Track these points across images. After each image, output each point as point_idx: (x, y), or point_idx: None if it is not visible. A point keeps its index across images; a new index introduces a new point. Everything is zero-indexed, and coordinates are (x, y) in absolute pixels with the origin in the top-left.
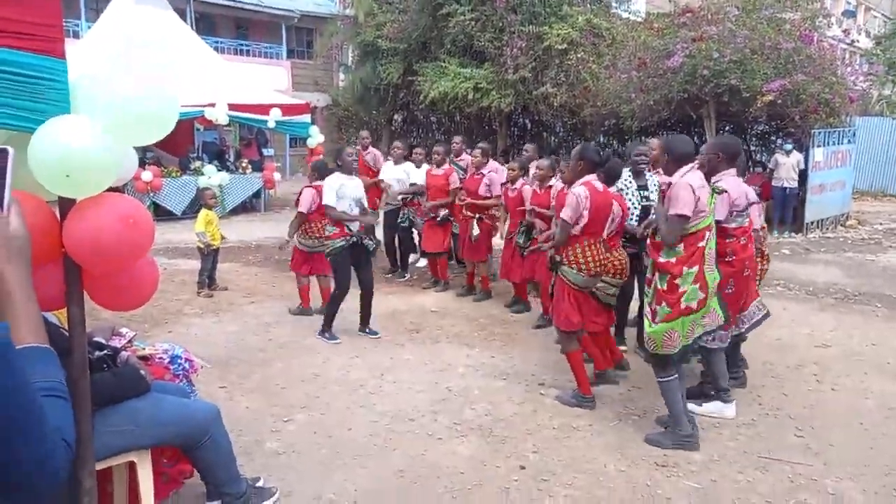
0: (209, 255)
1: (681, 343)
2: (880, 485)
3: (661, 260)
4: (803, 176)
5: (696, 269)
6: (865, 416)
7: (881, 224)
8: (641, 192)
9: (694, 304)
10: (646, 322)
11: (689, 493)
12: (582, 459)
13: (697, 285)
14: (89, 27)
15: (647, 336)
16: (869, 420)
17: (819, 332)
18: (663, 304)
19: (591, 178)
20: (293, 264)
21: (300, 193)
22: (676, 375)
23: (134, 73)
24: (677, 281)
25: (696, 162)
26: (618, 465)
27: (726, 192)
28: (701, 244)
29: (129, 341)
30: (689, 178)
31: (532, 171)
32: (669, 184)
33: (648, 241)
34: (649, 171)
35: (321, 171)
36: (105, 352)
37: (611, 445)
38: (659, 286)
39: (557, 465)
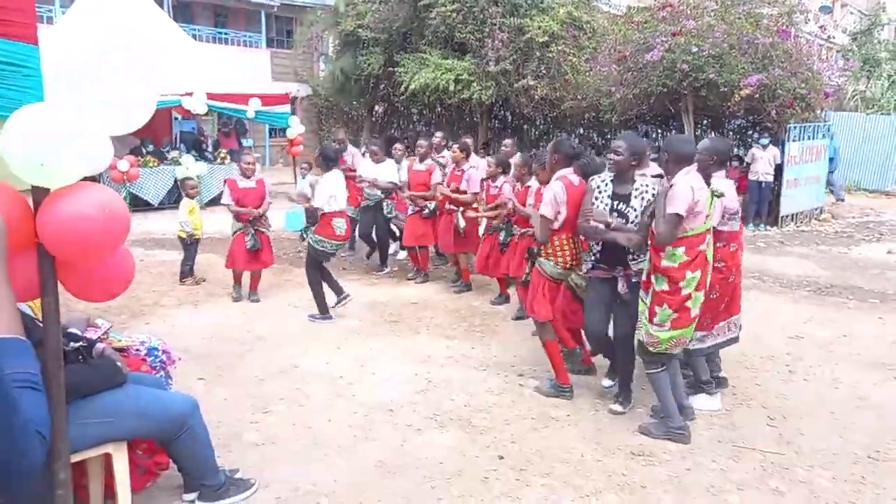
0: (191, 245)
1: (684, 345)
2: (849, 472)
3: (663, 264)
4: (779, 170)
5: (698, 273)
6: (836, 405)
7: (854, 218)
8: (616, 202)
9: (699, 311)
10: (643, 320)
11: (663, 482)
12: (559, 449)
13: (701, 292)
14: (63, 13)
15: (654, 339)
16: (839, 410)
17: (792, 324)
18: (664, 305)
19: (567, 171)
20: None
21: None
22: (665, 368)
23: (109, 62)
24: (681, 284)
25: (696, 164)
26: (595, 455)
27: (724, 195)
28: (702, 247)
29: (105, 333)
30: (690, 179)
31: (514, 170)
32: (671, 185)
33: (649, 245)
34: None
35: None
36: (80, 343)
37: (588, 435)
38: (657, 287)
39: (535, 454)
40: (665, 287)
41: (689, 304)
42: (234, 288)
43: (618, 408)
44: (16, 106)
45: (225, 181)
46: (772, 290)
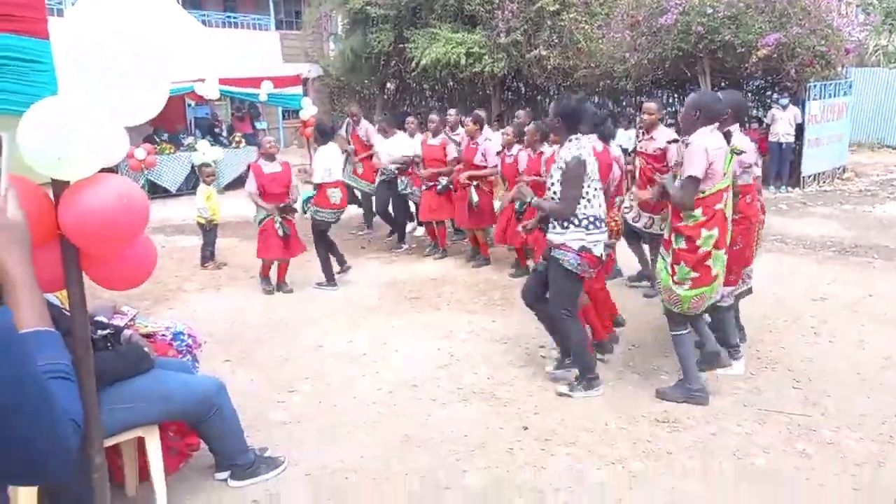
0: (210, 231)
1: (706, 304)
2: (877, 433)
3: (680, 224)
4: (800, 130)
5: (715, 231)
6: (862, 366)
7: (878, 175)
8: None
9: (721, 270)
10: (666, 278)
11: (688, 447)
12: (583, 419)
13: (722, 250)
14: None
15: (675, 297)
16: (866, 370)
17: (816, 286)
18: (682, 263)
19: (592, 137)
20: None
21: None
22: (689, 330)
23: (121, 51)
24: (697, 242)
25: (717, 123)
26: (619, 423)
27: (745, 152)
28: (719, 206)
29: (132, 319)
30: (707, 140)
31: (527, 138)
32: (687, 144)
33: (671, 207)
34: (645, 134)
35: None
36: (108, 331)
37: (612, 404)
38: (676, 246)
39: (559, 425)
40: (683, 245)
41: (708, 262)
42: (264, 281)
43: (562, 383)
44: (31, 101)
45: (249, 166)
46: (794, 252)
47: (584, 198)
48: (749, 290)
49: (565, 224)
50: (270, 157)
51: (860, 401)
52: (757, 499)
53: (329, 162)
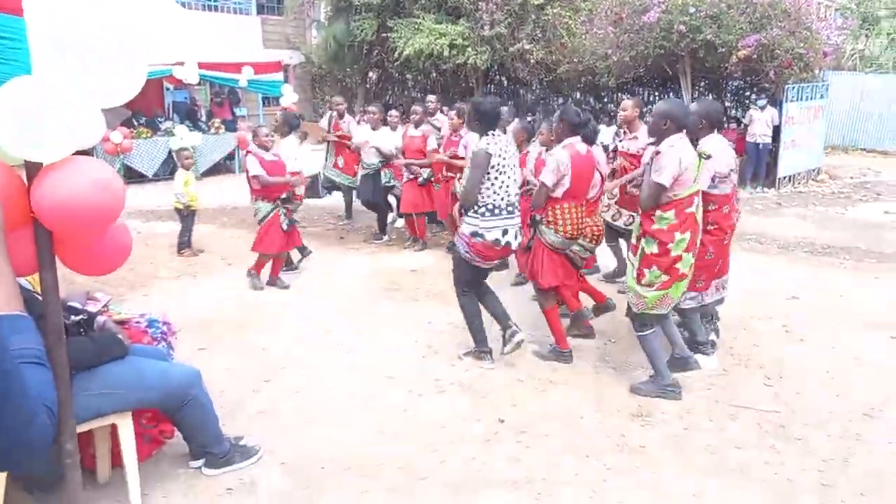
0: (188, 217)
1: (671, 305)
2: (844, 430)
3: (653, 228)
4: (777, 131)
5: (688, 235)
6: (832, 365)
7: (851, 178)
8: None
9: (687, 271)
10: (631, 281)
11: (662, 442)
12: (559, 412)
13: (690, 253)
14: None
15: (641, 298)
16: (835, 369)
17: (790, 285)
18: (653, 267)
19: (575, 140)
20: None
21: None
22: (655, 329)
23: (97, 32)
24: (670, 246)
25: (686, 132)
26: (594, 417)
27: (710, 157)
28: (690, 210)
29: (105, 305)
30: (680, 149)
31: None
32: (657, 152)
33: (640, 211)
34: (624, 133)
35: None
36: (81, 317)
37: (587, 398)
38: (647, 250)
39: (536, 417)
40: (655, 250)
41: (678, 265)
42: (255, 278)
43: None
44: (3, 79)
45: (248, 153)
46: (769, 252)
47: (487, 188)
48: (721, 300)
49: (468, 210)
50: (265, 149)
51: (829, 399)
52: (727, 493)
53: (290, 153)
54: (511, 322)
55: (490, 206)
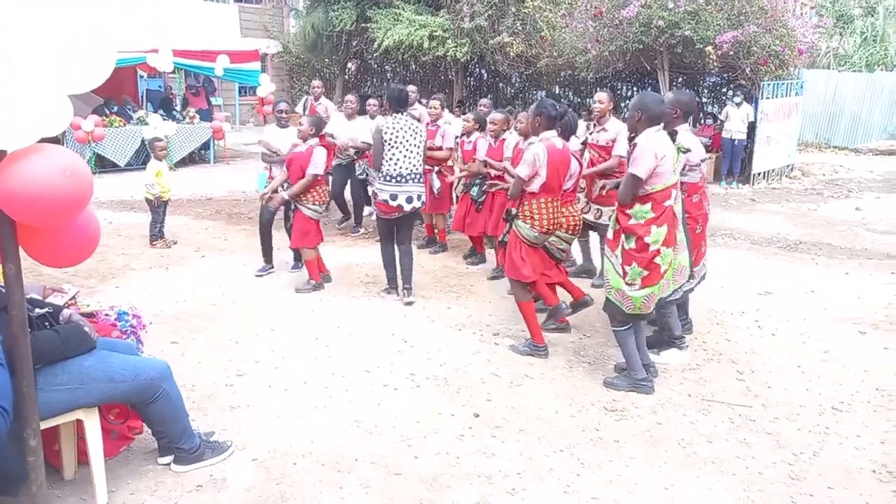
0: (159, 208)
1: (654, 305)
2: (814, 423)
3: (630, 223)
4: (752, 128)
5: (664, 228)
6: (803, 359)
7: (823, 175)
8: None
9: (667, 266)
10: (616, 280)
11: (636, 436)
12: (534, 406)
13: (671, 248)
14: None
15: (628, 299)
16: (806, 363)
17: (762, 281)
18: (633, 263)
19: (551, 134)
20: (302, 239)
21: (311, 153)
22: (631, 326)
23: (65, 15)
24: (647, 240)
25: (662, 123)
26: (569, 411)
27: (690, 150)
28: (668, 202)
29: (73, 298)
30: (655, 143)
31: (489, 126)
32: (634, 145)
33: (616, 206)
34: (596, 125)
35: (319, 127)
36: (45, 309)
37: (562, 392)
38: (626, 246)
39: (510, 412)
40: (633, 245)
41: (658, 260)
42: (320, 279)
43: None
44: None
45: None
46: (742, 248)
47: (386, 159)
48: (691, 290)
49: (374, 175)
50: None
51: (799, 392)
52: (699, 485)
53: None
54: (410, 284)
55: (388, 175)
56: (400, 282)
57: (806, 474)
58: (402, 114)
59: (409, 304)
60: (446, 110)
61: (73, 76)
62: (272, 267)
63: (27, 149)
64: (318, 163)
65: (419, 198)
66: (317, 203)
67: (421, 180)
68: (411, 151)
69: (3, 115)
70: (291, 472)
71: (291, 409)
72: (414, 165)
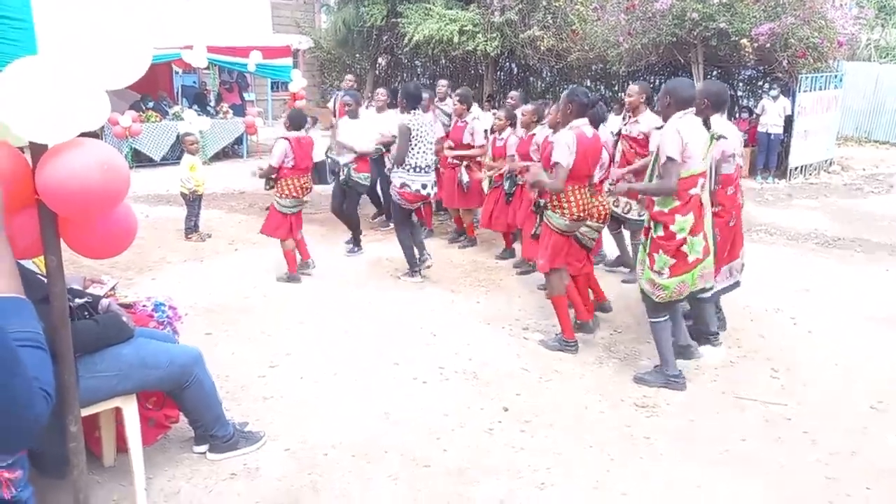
0: (194, 202)
1: (688, 291)
2: (851, 423)
3: (655, 210)
4: (789, 121)
5: (690, 216)
6: (840, 357)
7: (863, 170)
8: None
9: (700, 255)
10: (644, 270)
11: (667, 433)
12: (564, 402)
13: (698, 236)
14: None
15: (659, 288)
16: (843, 361)
17: (799, 277)
18: (660, 251)
19: (582, 122)
20: (274, 231)
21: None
22: (668, 317)
23: (103, 12)
24: (672, 228)
25: (693, 108)
26: (599, 407)
27: (725, 138)
28: (694, 191)
29: (112, 289)
30: (681, 124)
31: (520, 118)
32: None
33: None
34: (630, 117)
35: (296, 121)
36: (85, 299)
37: (592, 388)
38: (654, 234)
39: (539, 407)
40: (660, 233)
41: (684, 248)
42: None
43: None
44: (8, 60)
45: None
46: (778, 243)
47: (410, 151)
48: (737, 284)
49: (397, 168)
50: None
51: (836, 391)
52: (732, 484)
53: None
54: (427, 253)
55: (413, 165)
56: (417, 254)
57: (842, 475)
58: (419, 110)
59: (429, 266)
60: (475, 105)
61: (111, 72)
62: (360, 248)
63: (67, 143)
64: (274, 154)
65: (433, 185)
66: (287, 197)
67: (432, 170)
68: (430, 146)
69: (44, 111)
70: (322, 462)
71: (322, 401)
72: (430, 158)
